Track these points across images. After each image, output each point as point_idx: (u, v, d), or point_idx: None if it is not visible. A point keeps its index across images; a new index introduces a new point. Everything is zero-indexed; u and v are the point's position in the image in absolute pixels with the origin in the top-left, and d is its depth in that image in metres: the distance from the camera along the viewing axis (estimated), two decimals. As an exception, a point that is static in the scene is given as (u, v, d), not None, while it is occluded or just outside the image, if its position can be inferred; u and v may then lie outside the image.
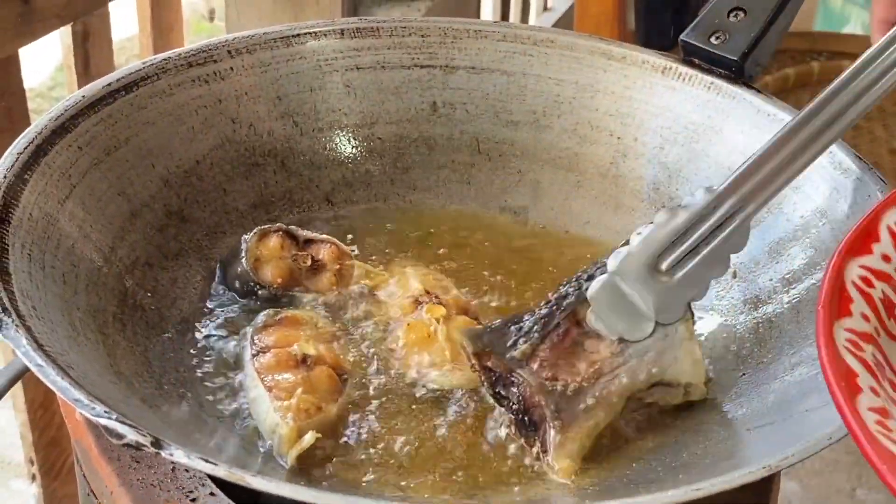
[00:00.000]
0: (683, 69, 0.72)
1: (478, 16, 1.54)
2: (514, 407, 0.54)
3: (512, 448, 0.56)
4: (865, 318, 0.47)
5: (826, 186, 0.64)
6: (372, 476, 0.54)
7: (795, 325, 0.61)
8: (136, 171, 0.65)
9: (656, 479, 0.53)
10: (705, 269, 0.55)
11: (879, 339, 0.47)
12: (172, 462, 0.49)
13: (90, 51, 1.08)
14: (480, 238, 0.72)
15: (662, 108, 0.72)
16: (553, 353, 0.54)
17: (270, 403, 0.55)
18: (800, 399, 0.54)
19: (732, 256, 0.66)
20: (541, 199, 0.74)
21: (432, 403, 0.58)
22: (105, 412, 0.45)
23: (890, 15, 0.74)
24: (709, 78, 0.71)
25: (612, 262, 0.55)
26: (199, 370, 0.59)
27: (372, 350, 0.61)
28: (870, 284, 0.48)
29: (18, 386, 1.02)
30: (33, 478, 1.17)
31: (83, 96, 0.64)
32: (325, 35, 0.74)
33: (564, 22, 1.96)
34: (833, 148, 0.65)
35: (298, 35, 0.74)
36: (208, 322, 0.63)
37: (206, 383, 0.59)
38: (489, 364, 0.55)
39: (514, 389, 0.54)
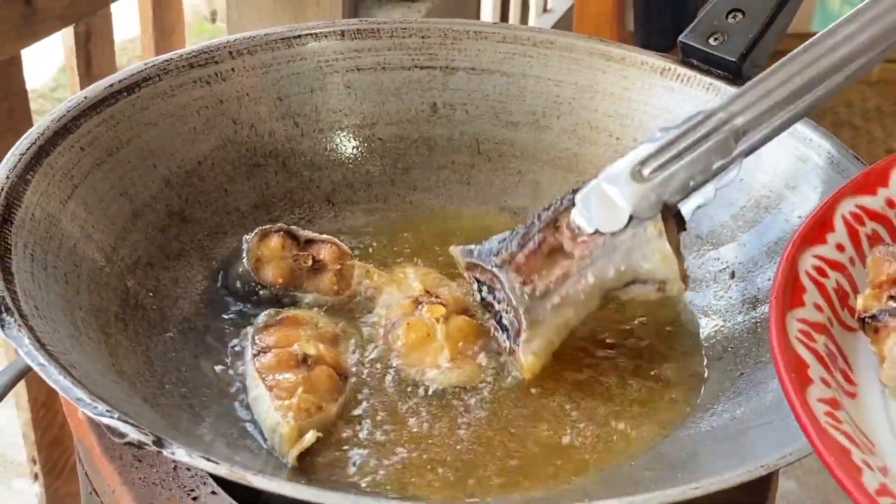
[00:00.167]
0: (682, 70, 0.72)
1: (477, 17, 1.54)
2: (495, 311, 0.59)
3: (516, 445, 0.56)
4: (818, 308, 0.47)
5: (824, 187, 0.65)
6: (372, 475, 0.54)
7: (793, 324, 0.61)
8: (138, 172, 0.66)
9: (655, 478, 0.54)
10: (686, 173, 0.56)
11: (833, 329, 0.47)
12: (174, 461, 0.49)
13: (92, 52, 1.08)
14: (480, 238, 0.72)
15: (661, 109, 0.72)
16: (528, 260, 0.58)
17: (271, 403, 0.55)
18: (797, 398, 0.54)
19: (732, 257, 0.66)
20: (540, 199, 0.74)
21: (432, 402, 0.58)
22: (107, 411, 0.46)
23: None
24: (707, 79, 0.71)
25: (600, 174, 0.58)
26: (200, 369, 0.60)
27: (372, 349, 0.62)
28: (823, 274, 0.48)
29: (21, 385, 1.03)
30: (36, 477, 1.18)
31: (85, 97, 0.65)
32: (326, 36, 0.75)
33: (564, 23, 1.96)
34: (831, 149, 0.65)
35: (299, 36, 0.74)
36: (210, 322, 0.63)
37: (207, 382, 0.59)
38: (477, 275, 0.60)
39: (496, 295, 0.59)
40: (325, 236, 0.67)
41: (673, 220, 0.58)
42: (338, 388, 0.58)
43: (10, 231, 0.55)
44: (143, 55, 1.32)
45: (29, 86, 0.98)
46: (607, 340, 0.64)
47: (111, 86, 0.66)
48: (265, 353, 0.58)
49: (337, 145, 0.75)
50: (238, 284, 0.64)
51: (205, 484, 0.51)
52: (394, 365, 0.61)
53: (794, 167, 0.67)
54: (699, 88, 0.71)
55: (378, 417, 0.57)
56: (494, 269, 0.58)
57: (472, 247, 0.61)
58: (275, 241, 0.65)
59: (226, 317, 0.64)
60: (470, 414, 0.58)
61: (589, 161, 0.74)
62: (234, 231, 0.69)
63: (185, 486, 0.51)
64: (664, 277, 0.57)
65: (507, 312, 0.58)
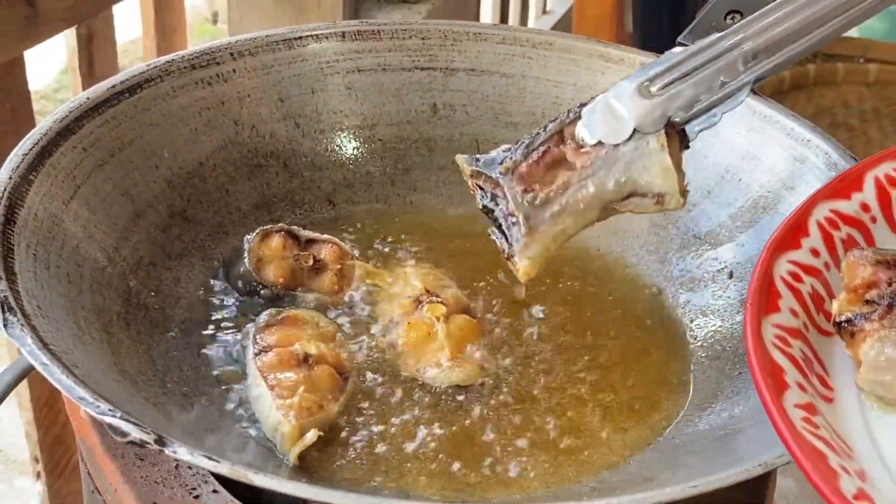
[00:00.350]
0: (681, 71, 0.72)
1: (477, 18, 1.54)
2: (497, 219, 0.59)
3: (516, 444, 0.56)
4: (794, 313, 0.47)
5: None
6: (373, 473, 0.54)
7: (791, 324, 0.61)
8: (140, 172, 0.66)
9: (653, 477, 0.54)
10: (692, 91, 0.58)
11: (808, 334, 0.47)
12: (176, 459, 0.49)
13: (94, 53, 1.09)
14: (480, 238, 0.72)
15: (660, 110, 0.72)
16: (531, 169, 0.58)
17: (272, 402, 0.55)
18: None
19: (730, 257, 0.66)
20: (540, 199, 0.75)
21: (433, 401, 0.59)
22: (109, 410, 0.46)
23: None
24: (706, 80, 0.71)
25: (608, 90, 0.59)
26: (202, 368, 0.60)
27: (373, 348, 0.62)
28: (798, 279, 0.48)
29: (24, 384, 1.03)
30: (38, 475, 1.18)
31: (87, 98, 0.65)
32: (327, 37, 0.75)
33: (563, 24, 1.96)
34: (828, 150, 0.66)
35: (300, 37, 0.74)
36: (211, 321, 0.63)
37: (209, 382, 0.59)
38: (481, 183, 0.60)
39: (499, 203, 0.59)
40: (325, 236, 0.67)
41: (677, 136, 0.59)
42: (339, 387, 0.58)
43: (12, 231, 0.55)
44: (144, 56, 1.33)
45: (32, 87, 0.99)
46: (606, 340, 0.64)
47: (113, 87, 0.66)
48: (266, 352, 0.58)
49: (338, 146, 0.75)
50: (239, 284, 0.65)
51: (206, 482, 0.52)
52: (394, 364, 0.61)
53: (791, 168, 0.67)
54: (698, 89, 0.71)
55: (378, 416, 0.57)
56: (498, 177, 0.59)
57: (478, 155, 0.61)
58: (276, 241, 0.65)
59: (227, 316, 0.64)
60: (470, 413, 0.58)
61: (588, 161, 0.74)
62: (235, 231, 0.69)
63: (186, 485, 0.52)
64: (663, 191, 0.57)
65: (506, 219, 0.59)
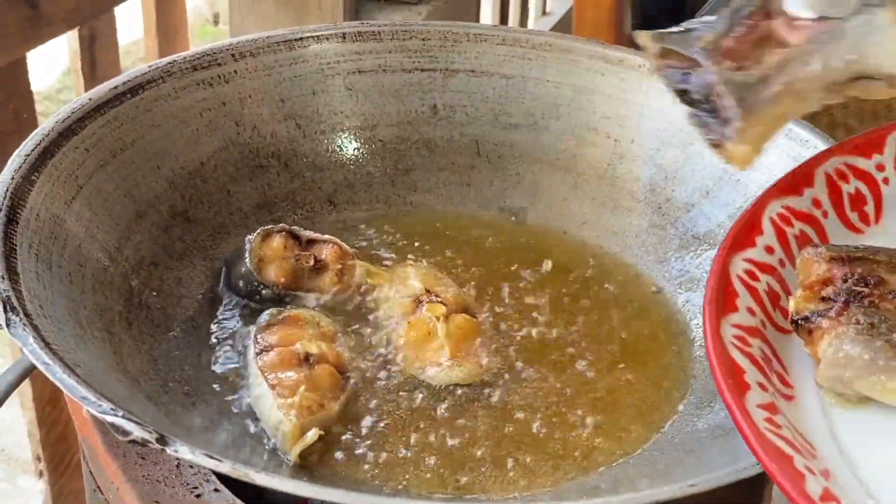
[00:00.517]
0: (680, 72, 0.72)
1: (477, 20, 1.54)
2: (695, 99, 0.52)
3: (516, 443, 0.57)
4: (751, 312, 0.46)
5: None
6: (374, 472, 0.54)
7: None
8: (142, 173, 0.66)
9: (652, 475, 0.54)
10: None
11: (766, 331, 0.46)
12: (177, 458, 0.49)
13: (97, 54, 1.09)
14: (480, 238, 0.73)
15: (658, 111, 0.72)
16: (739, 43, 0.52)
17: (273, 401, 0.56)
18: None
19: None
20: (539, 200, 0.75)
21: (433, 400, 0.59)
22: (111, 409, 0.46)
23: None
24: (705, 80, 0.71)
25: None
26: (203, 368, 0.60)
27: (373, 348, 0.62)
28: (754, 278, 0.47)
29: (26, 383, 1.03)
30: (40, 474, 1.18)
31: (90, 99, 0.65)
32: (328, 39, 0.75)
33: (562, 26, 1.96)
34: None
35: (301, 39, 0.75)
36: (213, 321, 0.64)
37: (210, 381, 0.60)
38: (670, 61, 0.53)
39: (697, 81, 0.52)
40: (326, 236, 0.67)
41: None
42: (339, 386, 0.58)
43: (15, 231, 0.55)
44: (146, 57, 1.33)
45: (34, 88, 0.99)
46: (605, 340, 0.64)
47: (115, 88, 0.67)
48: (268, 351, 0.59)
49: (338, 147, 0.75)
50: (241, 284, 0.65)
51: (208, 481, 0.52)
52: (395, 363, 0.61)
53: (790, 168, 0.67)
54: (697, 90, 0.72)
55: (379, 415, 0.58)
56: (697, 55, 0.52)
57: (664, 33, 0.54)
58: (277, 241, 0.65)
59: (228, 316, 0.64)
60: (470, 412, 0.58)
61: (587, 162, 0.75)
62: (236, 231, 0.69)
63: (188, 484, 0.52)
64: (894, 72, 0.50)
65: (709, 102, 0.52)
